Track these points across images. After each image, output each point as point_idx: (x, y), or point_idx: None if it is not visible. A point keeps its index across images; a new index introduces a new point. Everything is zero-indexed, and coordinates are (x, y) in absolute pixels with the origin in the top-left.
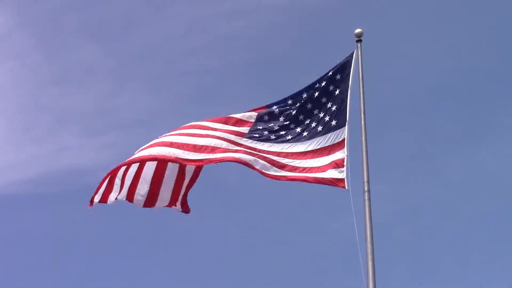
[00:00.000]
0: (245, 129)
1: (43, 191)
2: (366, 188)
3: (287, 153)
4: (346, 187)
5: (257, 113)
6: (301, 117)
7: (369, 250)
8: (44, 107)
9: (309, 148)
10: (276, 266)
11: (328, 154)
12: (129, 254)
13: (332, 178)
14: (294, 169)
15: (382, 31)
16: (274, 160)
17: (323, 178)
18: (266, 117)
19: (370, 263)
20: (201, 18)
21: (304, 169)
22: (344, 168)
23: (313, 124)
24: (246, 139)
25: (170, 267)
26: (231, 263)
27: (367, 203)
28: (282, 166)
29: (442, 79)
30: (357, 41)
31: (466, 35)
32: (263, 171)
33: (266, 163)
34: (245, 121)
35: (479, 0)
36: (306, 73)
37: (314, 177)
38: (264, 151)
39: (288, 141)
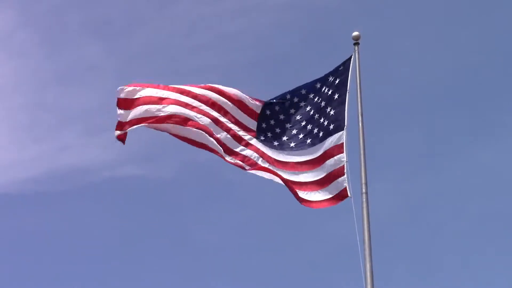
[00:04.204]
0: (252, 124)
1: (46, 189)
2: (364, 190)
3: (294, 163)
4: (349, 195)
5: (261, 105)
6: (303, 122)
7: (367, 252)
8: (47, 105)
9: (310, 157)
10: (275, 266)
11: (326, 160)
12: (131, 253)
13: (335, 196)
14: (300, 185)
15: (383, 31)
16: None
17: (327, 200)
18: (268, 112)
19: (368, 265)
20: (204, 16)
21: (308, 189)
22: (345, 176)
23: (315, 130)
24: (255, 140)
25: (172, 267)
26: (231, 264)
27: (365, 205)
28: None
29: (444, 78)
30: (355, 44)
31: (467, 34)
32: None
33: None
34: (251, 110)
35: None
36: (309, 71)
37: (318, 203)
38: (273, 160)
39: (291, 149)
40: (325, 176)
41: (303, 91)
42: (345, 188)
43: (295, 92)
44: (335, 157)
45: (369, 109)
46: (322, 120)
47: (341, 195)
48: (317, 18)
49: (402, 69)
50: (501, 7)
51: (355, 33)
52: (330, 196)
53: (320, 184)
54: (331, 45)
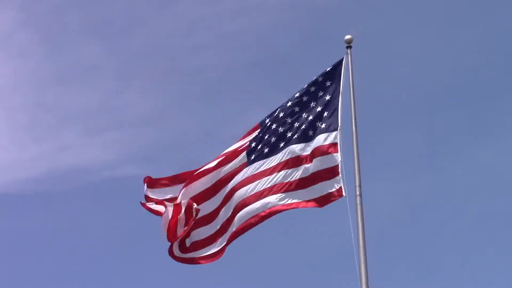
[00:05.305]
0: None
1: (46, 189)
2: (358, 192)
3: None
4: (344, 195)
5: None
6: (295, 124)
7: (362, 254)
8: (47, 105)
9: (302, 153)
10: (274, 267)
11: (319, 156)
12: (131, 253)
13: (327, 194)
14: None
15: (383, 31)
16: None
17: (319, 198)
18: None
19: (363, 266)
20: (204, 16)
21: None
22: (340, 176)
23: (303, 127)
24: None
25: (172, 267)
26: (231, 264)
27: (359, 207)
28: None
29: (444, 78)
30: (347, 47)
31: (467, 34)
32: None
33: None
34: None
35: None
36: (309, 71)
37: (311, 202)
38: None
39: (281, 148)
40: (312, 174)
41: (290, 103)
42: (340, 187)
43: (285, 106)
44: (327, 156)
45: (369, 109)
46: (311, 118)
47: (333, 196)
48: (317, 18)
49: (402, 69)
50: (501, 7)
51: (348, 37)
52: (315, 197)
53: (305, 183)
54: (331, 45)
